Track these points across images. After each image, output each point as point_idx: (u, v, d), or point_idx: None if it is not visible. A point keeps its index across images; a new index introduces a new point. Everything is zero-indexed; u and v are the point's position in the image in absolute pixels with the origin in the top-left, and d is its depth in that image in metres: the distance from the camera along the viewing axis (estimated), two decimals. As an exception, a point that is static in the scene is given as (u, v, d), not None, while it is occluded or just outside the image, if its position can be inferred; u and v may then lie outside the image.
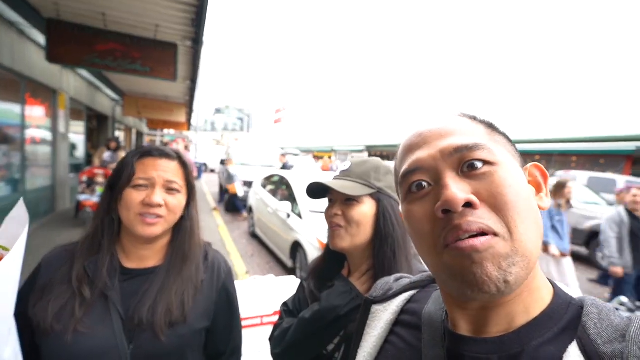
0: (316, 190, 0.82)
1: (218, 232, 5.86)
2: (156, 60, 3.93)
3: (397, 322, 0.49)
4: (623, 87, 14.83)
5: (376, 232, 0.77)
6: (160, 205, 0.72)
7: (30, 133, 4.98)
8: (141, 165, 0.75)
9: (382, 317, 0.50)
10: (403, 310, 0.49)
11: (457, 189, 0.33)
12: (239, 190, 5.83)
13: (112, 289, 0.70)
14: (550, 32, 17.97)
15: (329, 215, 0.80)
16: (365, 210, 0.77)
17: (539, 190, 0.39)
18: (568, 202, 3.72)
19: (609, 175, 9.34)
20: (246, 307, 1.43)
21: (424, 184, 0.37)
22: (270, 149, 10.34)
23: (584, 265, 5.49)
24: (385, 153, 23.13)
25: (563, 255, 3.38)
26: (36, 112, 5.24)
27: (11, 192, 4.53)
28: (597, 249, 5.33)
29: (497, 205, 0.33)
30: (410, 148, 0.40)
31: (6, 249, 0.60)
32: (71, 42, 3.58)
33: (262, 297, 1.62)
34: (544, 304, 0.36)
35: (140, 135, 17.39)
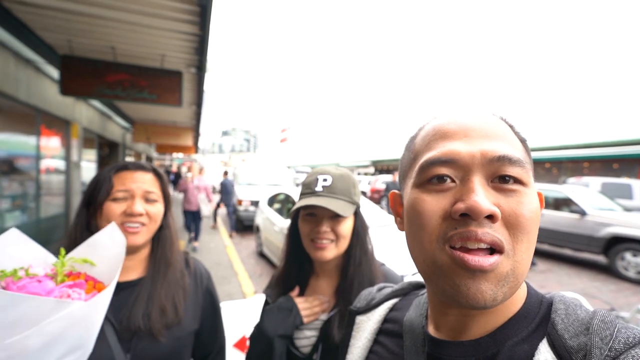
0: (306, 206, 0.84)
1: (226, 252, 5.85)
2: (163, 87, 4.09)
3: (381, 331, 0.49)
4: (634, 90, 14.66)
5: (353, 241, 0.86)
6: (141, 214, 0.76)
7: (44, 163, 5.17)
8: (119, 178, 0.78)
9: (365, 327, 0.51)
10: (386, 319, 0.50)
11: (485, 198, 0.32)
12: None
13: None
14: (559, 37, 18.08)
15: (316, 231, 0.82)
16: (349, 225, 0.85)
17: None
18: None
19: (623, 180, 9.08)
20: (251, 325, 1.41)
21: (447, 178, 0.35)
22: (277, 168, 10.44)
23: (603, 275, 5.26)
24: (392, 167, 23.04)
25: None
26: (51, 143, 5.46)
27: (26, 220, 4.66)
28: (617, 257, 5.12)
29: (513, 225, 0.32)
30: (446, 135, 0.36)
31: (92, 264, 0.61)
32: (83, 75, 3.78)
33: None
34: (519, 305, 0.37)
35: (149, 159, 17.84)
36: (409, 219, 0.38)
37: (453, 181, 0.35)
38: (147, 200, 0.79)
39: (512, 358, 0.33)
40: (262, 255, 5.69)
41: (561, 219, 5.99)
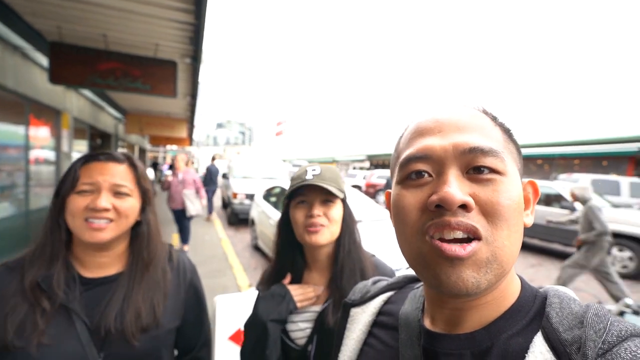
0: (296, 191, 0.87)
1: (221, 245, 5.84)
2: (157, 78, 4.01)
3: (376, 324, 0.49)
4: (624, 88, 14.87)
5: (342, 230, 0.89)
6: (107, 210, 0.70)
7: (33, 153, 5.05)
8: (86, 170, 0.72)
9: (360, 320, 0.51)
10: (381, 312, 0.50)
11: (457, 190, 0.33)
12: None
13: (73, 300, 0.68)
14: (551, 35, 18.18)
15: (309, 216, 0.84)
16: (339, 210, 0.88)
17: (527, 206, 0.39)
18: None
19: (612, 177, 9.27)
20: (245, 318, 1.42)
21: (425, 173, 0.36)
22: (272, 162, 10.39)
23: (592, 269, 5.40)
24: (387, 162, 23.15)
25: None
26: (40, 133, 5.33)
27: (15, 212, 4.57)
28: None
29: (490, 212, 0.33)
30: (422, 132, 0.38)
31: None
32: (73, 63, 3.68)
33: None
34: (512, 299, 0.37)
35: (142, 151, 17.58)
36: (394, 215, 0.39)
37: (430, 175, 0.36)
38: (117, 193, 0.73)
39: (507, 351, 0.34)
40: (257, 248, 5.70)
41: (552, 214, 6.11)
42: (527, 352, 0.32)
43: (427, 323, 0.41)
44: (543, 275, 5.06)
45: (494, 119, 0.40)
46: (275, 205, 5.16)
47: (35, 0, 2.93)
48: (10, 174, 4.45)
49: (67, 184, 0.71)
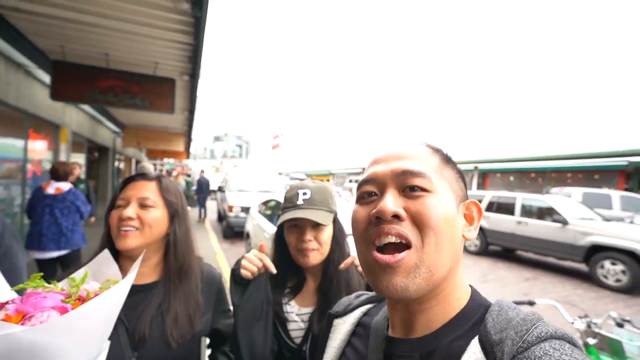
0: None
1: (215, 259, 5.82)
2: (155, 94, 4.12)
3: (354, 334, 0.55)
4: (616, 103, 15.25)
5: (332, 246, 0.95)
6: (131, 218, 0.79)
7: (32, 166, 5.09)
8: (124, 189, 0.85)
9: (341, 329, 0.56)
10: (359, 323, 0.55)
11: (391, 203, 0.40)
12: None
13: None
14: (544, 50, 18.72)
15: (301, 240, 0.90)
16: (330, 232, 0.93)
17: (470, 223, 0.45)
18: None
19: (604, 190, 9.41)
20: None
21: (373, 194, 0.44)
22: (268, 175, 10.45)
23: (586, 283, 5.43)
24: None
25: None
26: (38, 146, 5.38)
27: (11, 223, 4.56)
28: (597, 265, 5.30)
29: (419, 222, 0.40)
30: (374, 162, 0.47)
31: (116, 281, 0.62)
32: (74, 81, 3.78)
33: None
34: (459, 307, 0.42)
35: (137, 164, 17.57)
36: (352, 229, 0.47)
37: (377, 195, 0.44)
38: (142, 205, 0.82)
39: (448, 352, 0.39)
40: (251, 262, 5.68)
41: (545, 227, 6.17)
42: (463, 353, 0.37)
43: (390, 330, 0.47)
44: (538, 289, 5.07)
45: (435, 150, 0.48)
46: (270, 218, 5.19)
47: (40, 21, 3.05)
48: (7, 186, 4.48)
49: (111, 203, 0.84)
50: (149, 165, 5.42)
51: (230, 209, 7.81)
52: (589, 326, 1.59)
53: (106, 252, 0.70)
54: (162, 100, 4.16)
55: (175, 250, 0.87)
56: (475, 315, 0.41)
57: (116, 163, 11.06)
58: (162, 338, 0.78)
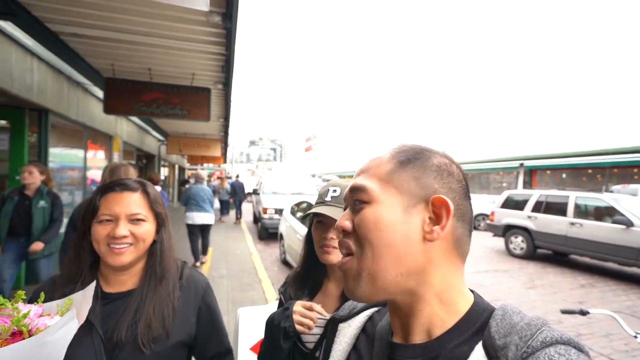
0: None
1: (251, 259, 6.03)
2: (192, 104, 4.40)
3: (359, 338, 0.54)
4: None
5: None
6: (125, 236, 0.78)
7: (90, 174, 5.69)
8: (105, 201, 0.81)
9: (346, 333, 0.56)
10: (364, 327, 0.55)
11: (342, 219, 0.45)
12: None
13: (92, 313, 0.74)
14: (595, 37, 17.02)
15: (324, 237, 0.91)
16: None
17: (439, 221, 0.40)
18: None
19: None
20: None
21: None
22: (301, 177, 10.62)
23: (656, 292, 4.78)
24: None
25: None
26: (96, 155, 6.01)
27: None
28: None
29: (358, 232, 0.43)
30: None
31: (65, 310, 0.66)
32: (122, 95, 4.17)
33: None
34: (460, 314, 0.41)
35: (182, 170, 18.83)
36: None
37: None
38: (133, 220, 0.81)
39: (452, 358, 0.38)
40: (285, 262, 5.80)
41: (604, 229, 5.55)
42: (467, 359, 0.36)
43: (393, 335, 0.47)
44: (596, 297, 4.57)
45: (394, 155, 0.45)
46: (302, 220, 5.27)
47: (94, 43, 3.41)
48: (72, 192, 5.06)
49: (88, 213, 0.81)
50: (202, 173, 5.83)
51: (265, 211, 8.06)
52: (653, 341, 1.40)
53: (93, 285, 0.71)
54: (199, 109, 4.42)
55: (161, 258, 0.87)
56: (479, 321, 0.40)
57: (162, 169, 11.97)
58: (135, 343, 0.75)
